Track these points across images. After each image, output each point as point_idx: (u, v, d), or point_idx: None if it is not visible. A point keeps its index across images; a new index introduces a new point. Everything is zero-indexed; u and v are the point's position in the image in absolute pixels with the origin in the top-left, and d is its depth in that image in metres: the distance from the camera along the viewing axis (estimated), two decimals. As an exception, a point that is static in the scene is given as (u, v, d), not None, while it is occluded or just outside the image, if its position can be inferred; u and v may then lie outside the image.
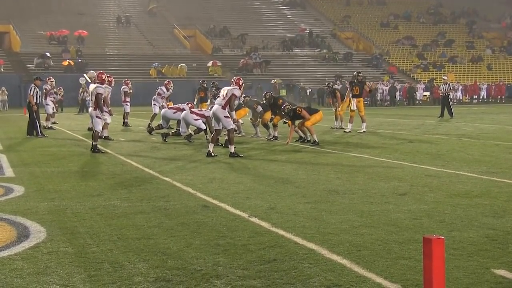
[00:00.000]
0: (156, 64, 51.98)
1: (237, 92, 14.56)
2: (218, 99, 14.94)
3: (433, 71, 58.37)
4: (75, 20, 57.66)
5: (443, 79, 31.84)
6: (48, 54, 50.38)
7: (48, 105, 23.96)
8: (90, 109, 15.83)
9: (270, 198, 8.89)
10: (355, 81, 21.51)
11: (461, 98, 51.87)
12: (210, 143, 14.54)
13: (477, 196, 8.86)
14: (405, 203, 8.39)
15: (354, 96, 21.39)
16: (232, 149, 14.25)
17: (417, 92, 50.73)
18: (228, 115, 14.42)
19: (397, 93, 49.62)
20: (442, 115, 28.91)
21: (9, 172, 12.14)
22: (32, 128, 20.24)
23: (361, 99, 21.41)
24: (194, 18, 62.34)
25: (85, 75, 46.89)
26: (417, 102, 49.87)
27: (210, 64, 53.61)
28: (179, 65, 52.24)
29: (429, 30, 69.44)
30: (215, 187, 9.97)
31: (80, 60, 50.89)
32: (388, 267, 5.60)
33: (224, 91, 14.68)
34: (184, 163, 13.23)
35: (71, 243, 6.56)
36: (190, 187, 9.96)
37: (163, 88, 23.70)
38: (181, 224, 7.38)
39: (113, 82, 20.99)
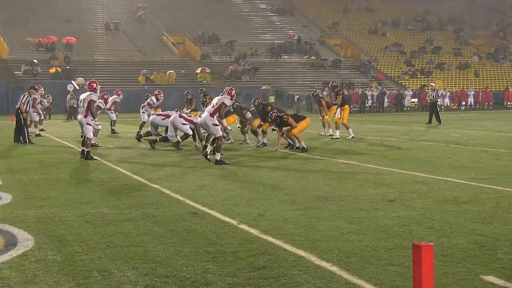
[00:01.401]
0: (145, 71, 51.87)
1: (227, 101, 14.60)
2: (208, 107, 14.96)
3: (421, 77, 58.61)
4: (64, 27, 57.50)
5: (431, 85, 32.04)
6: (35, 61, 50.12)
7: (34, 112, 23.86)
8: (79, 117, 15.80)
9: (259, 205, 8.88)
10: (337, 89, 21.58)
11: (448, 104, 52.11)
12: (215, 151, 14.44)
13: (466, 202, 8.89)
14: (394, 210, 8.41)
15: (338, 104, 21.38)
16: (218, 156, 14.22)
17: (405, 99, 50.94)
18: (217, 122, 14.41)
19: (385, 100, 49.82)
20: (430, 121, 29.03)
21: (-4, 179, 12.08)
22: (19, 135, 20.15)
23: (346, 107, 21.40)
24: (183, 25, 62.34)
25: (73, 82, 46.85)
26: (405, 108, 50.04)
27: (198, 70, 53.57)
28: (168, 72, 52.17)
29: (417, 37, 69.76)
30: (204, 194, 9.96)
31: (68, 67, 50.71)
32: (377, 273, 5.61)
33: (215, 100, 14.73)
34: (173, 170, 13.20)
35: (60, 251, 6.52)
36: (179, 194, 9.94)
37: (153, 98, 23.49)
38: (170, 231, 7.36)
39: (98, 90, 20.84)
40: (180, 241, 6.89)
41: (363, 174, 12.10)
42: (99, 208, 8.80)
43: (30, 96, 20.79)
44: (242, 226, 7.57)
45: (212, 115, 14.43)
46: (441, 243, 6.56)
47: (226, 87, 15.62)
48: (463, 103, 53.17)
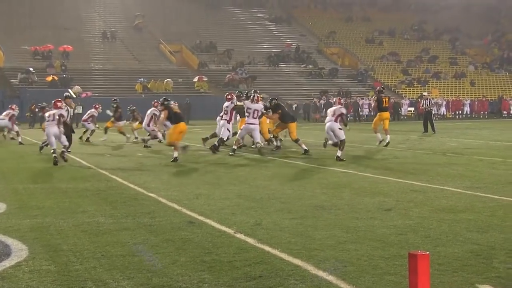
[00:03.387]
0: (142, 79, 51.82)
1: (344, 111, 17.71)
2: (328, 116, 17.65)
3: (418, 86, 58.73)
4: (60, 35, 57.42)
5: (423, 95, 32.31)
6: (32, 69, 50.04)
7: (89, 123, 25.36)
8: (55, 129, 16.92)
9: (256, 214, 8.86)
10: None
11: (445, 113, 52.22)
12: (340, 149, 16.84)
13: (462, 211, 8.89)
14: (391, 219, 8.40)
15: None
16: (339, 153, 16.62)
17: (402, 108, 51.03)
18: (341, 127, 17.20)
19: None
20: (426, 130, 29.09)
21: (-9, 188, 12.04)
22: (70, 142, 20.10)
23: (381, 113, 22.25)
24: (180, 33, 62.37)
25: (70, 90, 46.72)
26: (402, 117, 50.11)
27: (196, 79, 53.58)
28: (165, 80, 52.15)
29: (413, 46, 69.93)
30: (200, 203, 9.93)
31: (64, 75, 50.65)
32: (374, 283, 5.60)
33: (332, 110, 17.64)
34: (169, 179, 13.18)
35: (54, 261, 6.48)
36: (176, 203, 9.92)
37: (156, 110, 22.99)
38: (166, 240, 7.33)
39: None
40: (176, 250, 6.87)
41: (360, 183, 12.09)
42: (94, 218, 8.76)
43: (69, 106, 20.67)
44: (239, 235, 7.55)
45: (335, 121, 17.02)
46: (437, 252, 6.56)
47: (336, 98, 17.58)
48: (459, 112, 53.34)
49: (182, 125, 17.44)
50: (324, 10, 76.81)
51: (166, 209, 9.43)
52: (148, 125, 22.91)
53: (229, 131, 20.05)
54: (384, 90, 23.43)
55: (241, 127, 19.38)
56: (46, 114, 17.85)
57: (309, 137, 21.79)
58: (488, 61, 67.51)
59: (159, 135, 22.62)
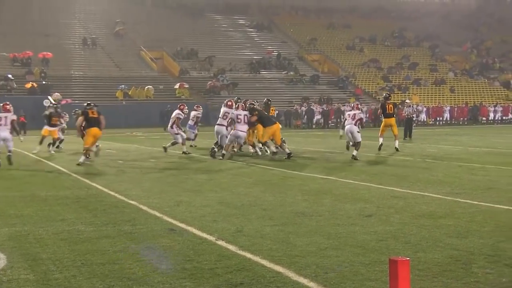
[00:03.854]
0: (123, 86, 51.61)
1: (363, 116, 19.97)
2: (348, 119, 19.74)
3: (398, 93, 59.03)
4: (40, 42, 57.01)
5: (406, 102, 32.58)
6: (10, 76, 49.62)
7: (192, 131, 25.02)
8: (7, 133, 18.14)
9: (237, 221, 8.85)
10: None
11: (425, 119, 52.52)
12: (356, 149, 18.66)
13: (442, 217, 8.95)
14: (372, 225, 8.43)
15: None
16: (355, 152, 18.47)
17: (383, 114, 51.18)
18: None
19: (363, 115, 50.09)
20: (406, 136, 29.28)
21: (-30, 196, 11.92)
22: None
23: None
24: (161, 40, 62.24)
25: (49, 97, 46.45)
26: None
27: (177, 86, 53.45)
28: (146, 87, 52.00)
29: (394, 53, 70.32)
30: (182, 210, 9.91)
31: (44, 82, 50.32)
32: (354, 289, 5.61)
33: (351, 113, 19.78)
34: (150, 187, 13.12)
35: (33, 270, 6.42)
36: (157, 210, 9.88)
37: (180, 112, 22.78)
38: (147, 248, 7.30)
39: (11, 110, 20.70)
40: (157, 258, 6.84)
41: (341, 189, 12.13)
42: (74, 226, 8.70)
43: None
44: (220, 242, 7.54)
45: (355, 124, 19.06)
46: (417, 257, 6.59)
47: (354, 103, 18.41)
48: (439, 118, 53.69)
49: (94, 130, 18.36)
50: (305, 17, 77.01)
51: (147, 217, 9.39)
52: (172, 127, 22.51)
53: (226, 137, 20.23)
54: (390, 97, 23.55)
55: (230, 133, 19.79)
56: None
57: (291, 144, 21.83)
58: (467, 68, 68.08)
59: (182, 136, 22.28)
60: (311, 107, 49.39)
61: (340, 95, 57.76)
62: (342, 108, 50.24)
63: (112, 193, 12.09)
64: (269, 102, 22.54)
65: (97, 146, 19.73)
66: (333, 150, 22.64)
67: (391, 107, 22.78)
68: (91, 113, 18.67)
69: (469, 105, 55.20)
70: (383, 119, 22.73)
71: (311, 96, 54.88)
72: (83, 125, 19.08)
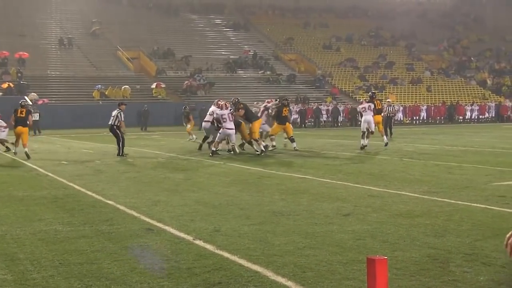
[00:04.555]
0: (99, 86, 51.35)
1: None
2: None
3: (375, 92, 59.26)
4: (16, 42, 56.55)
5: (387, 101, 32.77)
6: (-13, 76, 49.28)
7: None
8: None
9: (215, 220, 8.86)
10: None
11: (401, 119, 52.83)
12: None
13: (419, 215, 9.01)
14: (349, 224, 8.47)
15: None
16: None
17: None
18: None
19: (340, 115, 50.34)
20: (386, 134, 29.41)
21: None
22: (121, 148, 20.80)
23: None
24: (138, 40, 61.96)
25: (26, 97, 46.07)
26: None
27: (154, 86, 53.27)
28: (123, 87, 51.75)
29: (370, 52, 70.62)
30: (159, 210, 9.89)
31: (21, 82, 49.91)
32: (332, 288, 5.64)
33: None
34: (127, 186, 13.08)
35: (10, 270, 6.39)
36: (134, 210, 9.86)
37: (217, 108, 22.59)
38: (125, 248, 7.29)
39: None
40: (135, 257, 6.83)
41: (318, 189, 12.17)
42: (52, 226, 8.66)
43: (122, 111, 21.27)
44: (198, 241, 7.54)
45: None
46: (395, 256, 6.63)
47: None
48: (415, 117, 54.01)
49: (18, 128, 20.72)
50: (281, 16, 77.11)
51: (125, 216, 9.37)
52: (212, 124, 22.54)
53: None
54: (375, 95, 24.48)
55: (220, 132, 20.53)
56: None
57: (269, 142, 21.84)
58: (443, 67, 68.57)
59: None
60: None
61: (316, 95, 57.90)
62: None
63: (90, 193, 12.04)
64: (285, 102, 23.04)
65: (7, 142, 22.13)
66: (310, 149, 22.71)
67: (379, 103, 23.90)
68: (19, 112, 20.99)
69: (446, 104, 55.60)
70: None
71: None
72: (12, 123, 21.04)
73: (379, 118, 23.43)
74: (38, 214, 9.64)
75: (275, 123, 22.24)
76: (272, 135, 22.44)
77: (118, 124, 20.99)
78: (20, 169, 17.28)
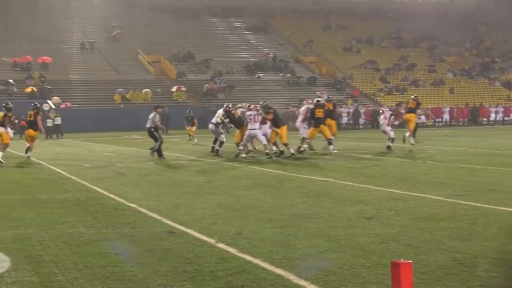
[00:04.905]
0: (121, 89, 51.67)
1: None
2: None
3: (396, 94, 59.02)
4: (39, 47, 57.03)
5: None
6: (11, 80, 49.75)
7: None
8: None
9: (237, 223, 8.85)
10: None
11: (424, 121, 52.50)
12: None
13: (443, 219, 8.90)
14: (372, 227, 8.41)
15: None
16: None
17: (380, 116, 51.20)
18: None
19: (361, 117, 50.19)
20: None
21: (-29, 200, 11.93)
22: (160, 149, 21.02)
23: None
24: (158, 44, 62.20)
25: (49, 101, 46.52)
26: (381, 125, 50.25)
27: (174, 89, 53.47)
28: (144, 91, 52.00)
29: (391, 54, 70.27)
30: (181, 212, 9.90)
31: (44, 86, 50.36)
32: (356, 291, 5.60)
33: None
34: (149, 189, 13.12)
35: (36, 272, 6.44)
36: (156, 213, 9.88)
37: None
38: (148, 250, 7.30)
39: None
40: (157, 260, 6.84)
41: (340, 191, 12.11)
42: (76, 228, 8.71)
43: (159, 114, 21.70)
44: (220, 244, 7.53)
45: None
46: (419, 260, 6.56)
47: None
48: (438, 119, 53.64)
49: (29, 131, 22.24)
50: (301, 18, 76.93)
51: (147, 219, 9.40)
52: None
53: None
54: (417, 98, 25.41)
55: (246, 133, 20.90)
56: None
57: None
58: (466, 68, 68.02)
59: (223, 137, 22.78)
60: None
61: (337, 97, 57.71)
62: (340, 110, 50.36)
63: (112, 195, 12.09)
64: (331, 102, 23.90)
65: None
66: (332, 151, 22.62)
67: (413, 103, 24.60)
68: (28, 116, 22.38)
69: (469, 105, 55.11)
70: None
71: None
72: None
73: (412, 116, 23.52)
74: (62, 216, 9.71)
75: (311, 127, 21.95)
76: (309, 139, 22.21)
77: (154, 127, 21.17)
78: (43, 172, 17.40)
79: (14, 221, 9.38)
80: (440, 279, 5.92)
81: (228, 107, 22.31)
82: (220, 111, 22.24)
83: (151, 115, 21.40)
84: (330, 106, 23.95)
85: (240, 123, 21.90)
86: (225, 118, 22.21)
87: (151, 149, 21.38)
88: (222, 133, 22.75)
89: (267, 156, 19.83)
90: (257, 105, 21.80)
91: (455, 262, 6.51)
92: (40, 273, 6.38)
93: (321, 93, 24.81)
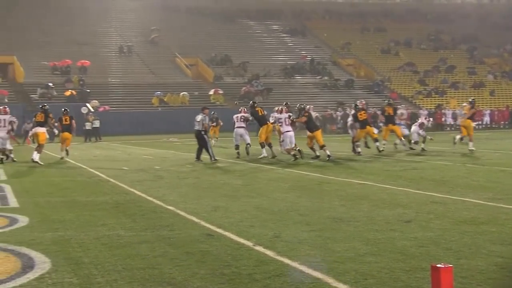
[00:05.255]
0: (159, 92, 52.13)
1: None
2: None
3: (435, 97, 58.43)
4: (78, 50, 57.95)
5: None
6: (51, 84, 50.58)
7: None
8: (3, 133, 21.22)
9: (275, 226, 8.84)
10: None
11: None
12: None
13: (484, 223, 8.78)
14: (411, 231, 8.33)
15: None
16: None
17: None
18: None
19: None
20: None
21: (13, 202, 12.13)
22: (200, 152, 21.18)
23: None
24: (195, 47, 62.61)
25: (87, 104, 47.13)
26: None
27: (212, 92, 53.75)
28: (181, 94, 52.37)
29: (430, 56, 69.61)
30: (219, 215, 9.93)
31: (82, 90, 51.06)
32: (395, 295, 5.55)
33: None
34: (187, 192, 13.19)
35: (76, 273, 6.51)
36: (194, 215, 9.92)
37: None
38: (186, 253, 7.33)
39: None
40: (195, 263, 6.86)
41: (378, 195, 12.02)
42: (114, 230, 8.79)
43: (207, 116, 21.77)
44: (258, 247, 7.53)
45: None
46: (460, 264, 6.47)
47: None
48: (478, 122, 52.89)
49: (65, 134, 23.74)
50: (338, 21, 76.72)
51: (185, 222, 9.44)
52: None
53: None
54: (474, 101, 24.97)
55: (283, 136, 21.34)
56: None
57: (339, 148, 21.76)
58: (507, 70, 66.99)
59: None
60: (347, 111, 49.12)
61: (375, 100, 57.37)
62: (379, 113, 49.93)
63: (150, 198, 12.18)
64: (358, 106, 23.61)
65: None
66: (370, 154, 22.48)
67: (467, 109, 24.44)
68: (64, 120, 23.84)
69: (509, 108, 54.27)
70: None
71: (346, 101, 54.60)
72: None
73: (468, 122, 23.84)
74: (101, 219, 9.80)
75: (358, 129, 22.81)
76: (357, 141, 22.74)
77: (204, 129, 21.15)
78: (82, 175, 17.62)
79: (54, 223, 9.50)
80: (482, 284, 5.83)
81: (254, 102, 22.95)
82: (199, 116, 21.29)
83: (199, 117, 21.16)
84: (391, 111, 24.07)
85: (263, 120, 22.17)
86: (249, 116, 22.69)
87: (211, 158, 20.71)
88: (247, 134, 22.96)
89: (272, 157, 21.25)
90: (284, 108, 21.84)
91: (497, 267, 6.41)
92: (80, 275, 6.45)
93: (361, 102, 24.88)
